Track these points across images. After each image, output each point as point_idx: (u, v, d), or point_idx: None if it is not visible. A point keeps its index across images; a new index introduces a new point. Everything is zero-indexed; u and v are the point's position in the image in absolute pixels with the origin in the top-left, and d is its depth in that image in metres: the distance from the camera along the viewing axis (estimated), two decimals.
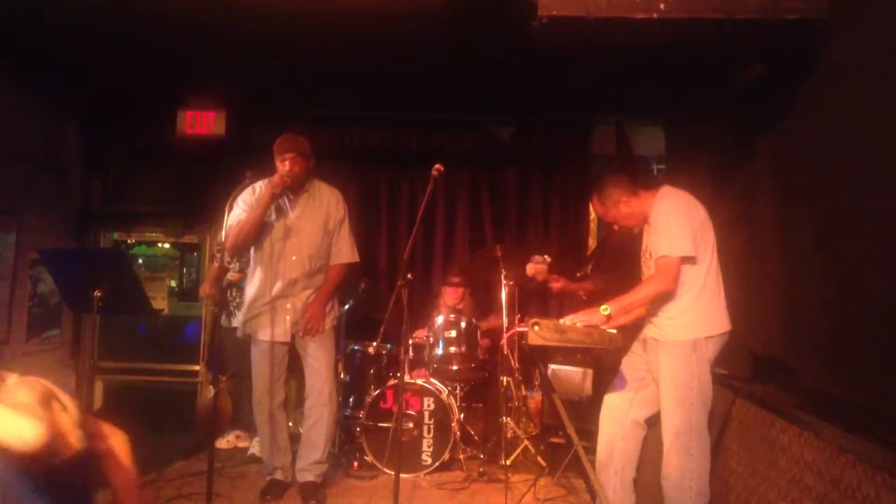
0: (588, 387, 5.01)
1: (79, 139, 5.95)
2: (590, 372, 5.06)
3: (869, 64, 2.82)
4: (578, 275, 5.39)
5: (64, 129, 5.83)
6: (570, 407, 3.69)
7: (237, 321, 4.47)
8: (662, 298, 3.47)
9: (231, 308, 5.26)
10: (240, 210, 4.10)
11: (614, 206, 3.67)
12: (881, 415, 2.62)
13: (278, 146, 4.14)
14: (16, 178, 5.10)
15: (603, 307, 3.33)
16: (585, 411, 4.59)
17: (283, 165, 4.08)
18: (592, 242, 6.19)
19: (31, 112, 5.30)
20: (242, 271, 5.04)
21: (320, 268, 4.27)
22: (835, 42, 3.05)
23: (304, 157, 4.15)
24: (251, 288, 4.25)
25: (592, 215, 6.13)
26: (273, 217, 4.20)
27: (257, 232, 4.12)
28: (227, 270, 5.18)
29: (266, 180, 4.13)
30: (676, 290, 3.44)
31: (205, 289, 5.64)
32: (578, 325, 3.28)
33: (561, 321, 3.32)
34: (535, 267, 4.90)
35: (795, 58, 3.30)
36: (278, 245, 4.18)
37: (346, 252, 4.36)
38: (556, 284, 4.93)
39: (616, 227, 3.79)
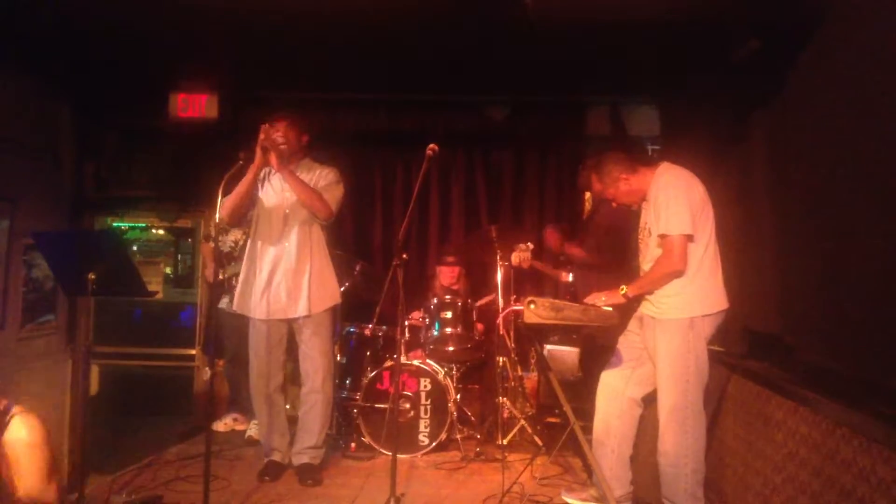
0: None
1: (71, 124, 5.91)
2: None
3: (864, 39, 2.81)
4: (561, 258, 5.43)
5: (56, 114, 5.79)
6: (566, 386, 3.70)
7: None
8: (674, 277, 3.47)
9: (235, 293, 5.25)
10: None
11: (613, 183, 3.67)
12: (876, 388, 2.63)
13: (269, 117, 4.15)
14: (9, 163, 5.07)
15: (621, 288, 3.43)
16: (581, 390, 4.61)
17: (273, 130, 4.08)
18: None
19: (23, 96, 5.26)
20: None
21: (311, 243, 4.26)
22: (830, 16, 3.04)
23: (294, 126, 4.16)
24: (245, 266, 4.24)
25: (588, 195, 6.13)
26: (266, 194, 4.19)
27: (250, 196, 4.11)
28: (230, 255, 5.17)
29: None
30: (686, 268, 3.44)
31: (211, 272, 5.62)
32: (599, 303, 3.36)
33: (585, 300, 3.37)
34: (520, 255, 4.93)
35: (790, 33, 3.29)
36: (271, 222, 4.17)
37: (330, 195, 4.21)
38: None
39: (615, 205, 3.80)
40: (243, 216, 4.19)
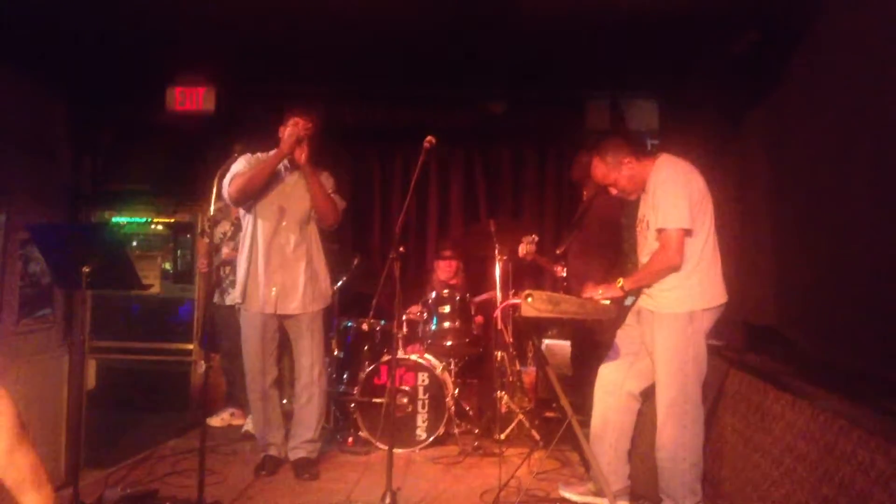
0: None
1: (67, 117, 5.87)
2: None
3: (863, 31, 2.79)
4: (558, 252, 5.42)
5: (52, 108, 5.73)
6: (565, 380, 3.69)
7: (230, 299, 4.44)
8: (671, 271, 3.45)
9: (224, 286, 5.25)
10: (242, 165, 4.10)
11: (617, 167, 3.62)
12: (874, 381, 2.62)
13: (293, 112, 4.16)
14: (4, 158, 5.04)
15: (618, 281, 3.41)
16: (578, 384, 4.60)
17: (295, 126, 4.07)
18: None
19: (17, 90, 5.21)
20: (237, 249, 5.02)
21: (308, 242, 4.25)
22: (828, 8, 3.02)
23: (315, 129, 4.17)
24: (242, 261, 4.23)
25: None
26: (268, 189, 4.17)
27: (265, 182, 4.09)
28: (217, 247, 5.17)
29: (261, 154, 4.18)
30: (683, 262, 3.41)
31: (202, 265, 5.63)
32: (596, 297, 3.35)
33: (584, 295, 3.36)
34: (527, 247, 4.93)
35: (790, 24, 3.26)
36: (268, 218, 4.16)
37: (339, 202, 4.30)
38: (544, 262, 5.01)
39: (614, 192, 3.74)
40: (249, 199, 4.15)
